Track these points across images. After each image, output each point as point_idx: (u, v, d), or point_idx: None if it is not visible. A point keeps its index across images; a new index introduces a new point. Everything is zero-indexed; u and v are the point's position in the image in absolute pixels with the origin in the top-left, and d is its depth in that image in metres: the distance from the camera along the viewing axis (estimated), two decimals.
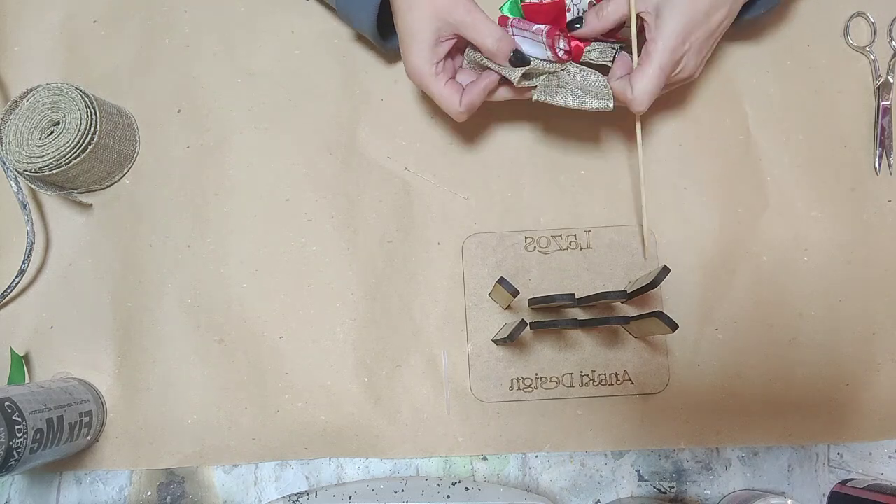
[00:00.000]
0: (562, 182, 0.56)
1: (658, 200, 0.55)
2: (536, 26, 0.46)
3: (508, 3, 0.48)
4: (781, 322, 0.53)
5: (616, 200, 0.55)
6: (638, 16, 0.47)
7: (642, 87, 0.46)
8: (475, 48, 0.48)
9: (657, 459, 0.52)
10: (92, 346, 0.54)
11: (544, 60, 0.47)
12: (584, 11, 0.49)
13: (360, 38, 0.59)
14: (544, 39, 0.46)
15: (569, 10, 0.49)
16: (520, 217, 0.55)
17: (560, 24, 0.48)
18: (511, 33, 0.47)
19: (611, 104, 0.46)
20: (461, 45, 0.50)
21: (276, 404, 0.52)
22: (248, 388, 0.53)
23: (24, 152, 0.52)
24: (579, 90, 0.47)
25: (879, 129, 0.56)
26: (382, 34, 0.53)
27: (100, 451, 0.52)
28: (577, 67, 0.48)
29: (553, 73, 0.48)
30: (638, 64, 0.47)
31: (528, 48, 0.47)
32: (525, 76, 0.47)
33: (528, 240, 0.55)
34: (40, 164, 0.51)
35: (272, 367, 0.53)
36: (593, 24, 0.48)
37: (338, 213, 0.56)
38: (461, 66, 0.51)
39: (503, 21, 0.47)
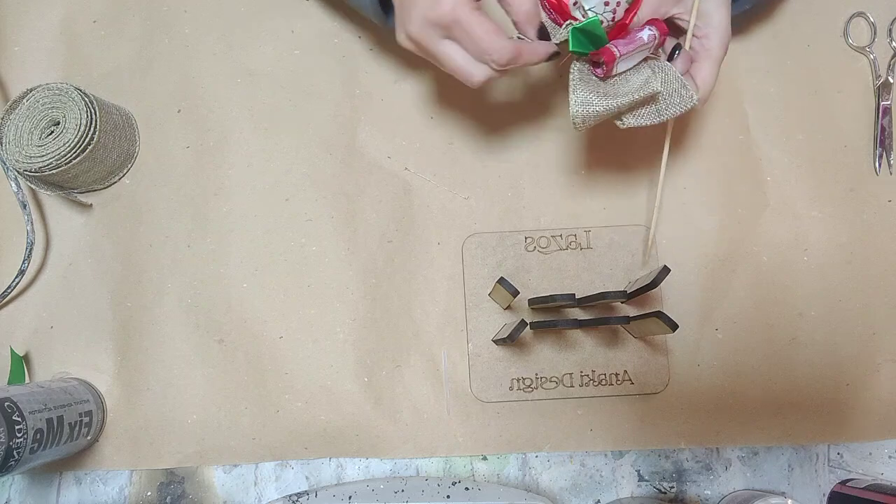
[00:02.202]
0: (562, 182, 0.56)
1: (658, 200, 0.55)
2: None
3: None
4: (781, 322, 0.53)
5: (616, 200, 0.55)
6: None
7: (706, 85, 0.45)
8: None
9: (657, 459, 0.52)
10: (92, 346, 0.54)
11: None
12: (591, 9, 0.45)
13: (361, 37, 0.59)
14: None
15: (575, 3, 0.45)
16: (520, 217, 0.55)
17: None
18: None
19: (696, 96, 0.44)
20: None
21: (276, 404, 0.52)
22: (248, 388, 0.53)
23: (24, 152, 0.52)
24: (667, 92, 0.44)
25: (879, 129, 0.56)
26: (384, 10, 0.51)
27: (100, 451, 0.52)
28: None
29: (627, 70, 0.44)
30: (694, 60, 0.46)
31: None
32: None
33: (528, 240, 0.55)
34: (40, 164, 0.51)
35: (272, 367, 0.53)
36: None
37: (337, 213, 0.55)
38: None
39: None
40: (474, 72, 0.43)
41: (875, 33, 0.58)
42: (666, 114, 0.45)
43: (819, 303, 0.53)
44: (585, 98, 0.43)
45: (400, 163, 0.56)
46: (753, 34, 0.58)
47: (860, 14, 0.58)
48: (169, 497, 0.52)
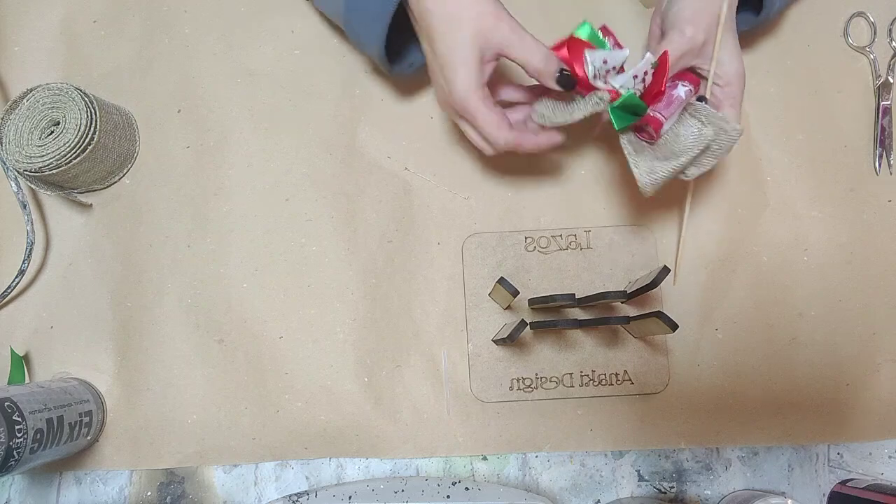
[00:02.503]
0: (562, 182, 0.56)
1: (658, 201, 0.55)
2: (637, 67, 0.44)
3: (586, 28, 0.45)
4: (781, 322, 0.53)
5: (616, 200, 0.55)
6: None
7: None
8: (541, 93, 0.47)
9: (657, 459, 0.52)
10: (92, 346, 0.54)
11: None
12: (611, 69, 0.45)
13: None
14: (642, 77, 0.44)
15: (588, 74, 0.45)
16: (520, 217, 0.55)
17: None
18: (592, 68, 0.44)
19: (738, 126, 0.45)
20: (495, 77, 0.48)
21: (276, 404, 0.52)
22: (248, 388, 0.53)
23: (24, 152, 0.52)
24: (711, 140, 0.45)
25: (879, 129, 0.56)
26: (390, 58, 0.52)
27: (100, 451, 0.52)
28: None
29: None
30: (718, 108, 0.47)
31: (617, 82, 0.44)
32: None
33: (528, 240, 0.55)
34: (40, 164, 0.51)
35: (272, 367, 0.53)
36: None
37: (337, 213, 0.55)
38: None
39: (579, 48, 0.44)
40: (485, 147, 0.48)
41: (875, 33, 0.58)
42: (719, 153, 0.46)
43: (819, 303, 0.53)
44: (649, 166, 0.45)
45: (400, 163, 0.56)
46: (751, 35, 0.58)
47: (860, 14, 0.58)
48: (169, 497, 0.52)
